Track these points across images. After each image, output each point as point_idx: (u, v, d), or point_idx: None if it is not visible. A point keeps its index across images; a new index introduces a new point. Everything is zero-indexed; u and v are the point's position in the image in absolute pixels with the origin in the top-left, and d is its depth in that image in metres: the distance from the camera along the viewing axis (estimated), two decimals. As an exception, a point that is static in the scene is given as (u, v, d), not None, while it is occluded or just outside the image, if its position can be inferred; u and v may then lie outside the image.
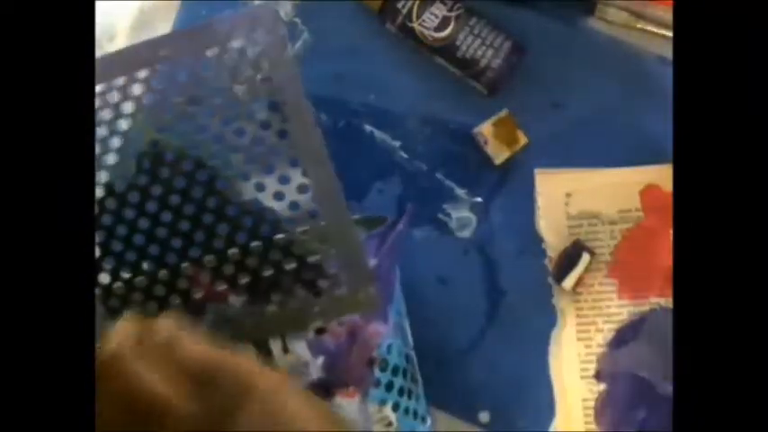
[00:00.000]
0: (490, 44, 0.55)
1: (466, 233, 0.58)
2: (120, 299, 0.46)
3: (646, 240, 0.56)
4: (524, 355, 0.57)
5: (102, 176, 0.46)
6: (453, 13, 0.55)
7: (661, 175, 0.56)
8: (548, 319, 0.57)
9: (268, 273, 0.45)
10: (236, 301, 0.46)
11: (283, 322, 0.46)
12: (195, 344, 0.38)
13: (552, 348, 0.57)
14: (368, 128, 0.58)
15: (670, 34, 0.56)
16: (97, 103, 0.45)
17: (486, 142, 0.57)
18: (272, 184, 0.46)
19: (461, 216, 0.58)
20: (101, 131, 0.46)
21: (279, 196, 0.46)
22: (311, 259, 0.45)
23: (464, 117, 0.57)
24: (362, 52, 0.58)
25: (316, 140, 0.45)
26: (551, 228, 0.57)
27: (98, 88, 0.45)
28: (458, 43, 0.55)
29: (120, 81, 0.45)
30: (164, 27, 0.57)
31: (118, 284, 0.46)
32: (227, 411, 0.36)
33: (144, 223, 0.46)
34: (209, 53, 0.45)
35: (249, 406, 0.36)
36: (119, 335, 0.37)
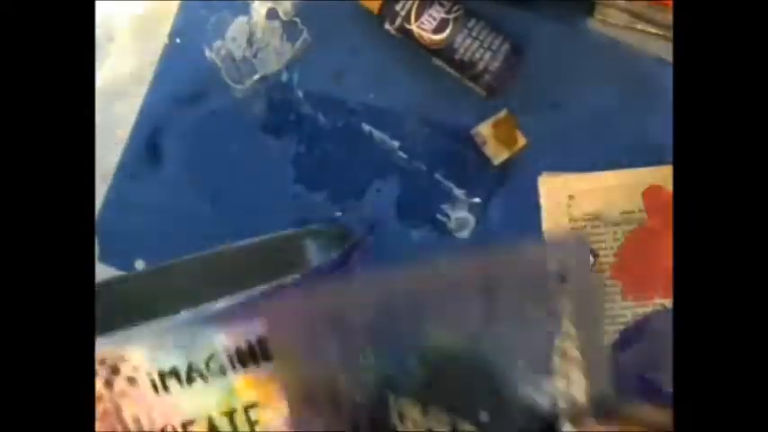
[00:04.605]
0: (488, 46, 0.55)
1: (464, 234, 0.57)
2: None
3: (649, 241, 0.56)
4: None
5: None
6: (452, 15, 0.55)
7: (663, 176, 0.56)
8: (549, 322, 0.57)
9: None
10: None
11: None
12: None
13: (555, 351, 0.56)
14: (366, 127, 0.58)
15: (669, 35, 0.56)
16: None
17: (484, 143, 0.57)
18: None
19: (460, 217, 0.57)
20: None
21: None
22: None
23: (463, 117, 0.57)
24: (361, 52, 0.58)
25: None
26: (554, 230, 0.57)
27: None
28: (456, 45, 0.55)
29: None
30: (163, 27, 0.57)
31: None
32: None
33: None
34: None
35: None
36: None
